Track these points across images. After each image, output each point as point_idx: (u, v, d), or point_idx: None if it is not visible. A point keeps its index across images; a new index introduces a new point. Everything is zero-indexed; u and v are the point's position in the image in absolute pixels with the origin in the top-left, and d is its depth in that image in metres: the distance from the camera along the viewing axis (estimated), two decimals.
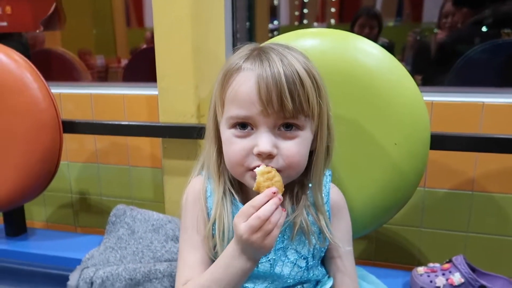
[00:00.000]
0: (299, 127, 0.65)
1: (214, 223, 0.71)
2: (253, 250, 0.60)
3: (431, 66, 2.13)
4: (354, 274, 0.79)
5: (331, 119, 0.70)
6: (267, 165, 0.63)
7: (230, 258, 0.63)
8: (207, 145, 0.74)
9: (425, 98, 0.93)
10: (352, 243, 0.80)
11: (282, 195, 0.72)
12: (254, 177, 0.63)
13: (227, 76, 0.66)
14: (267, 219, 0.58)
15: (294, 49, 0.67)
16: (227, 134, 0.66)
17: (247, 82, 0.63)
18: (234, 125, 0.65)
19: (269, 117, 0.62)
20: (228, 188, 0.72)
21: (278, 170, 0.64)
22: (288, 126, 0.64)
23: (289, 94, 0.61)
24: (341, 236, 0.76)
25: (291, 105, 0.61)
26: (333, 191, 0.78)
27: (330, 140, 0.71)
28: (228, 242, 0.68)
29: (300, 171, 0.68)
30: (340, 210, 0.78)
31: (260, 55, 0.64)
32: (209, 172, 0.74)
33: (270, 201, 0.59)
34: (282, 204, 0.72)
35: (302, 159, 0.66)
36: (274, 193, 0.59)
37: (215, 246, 0.71)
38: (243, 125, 0.65)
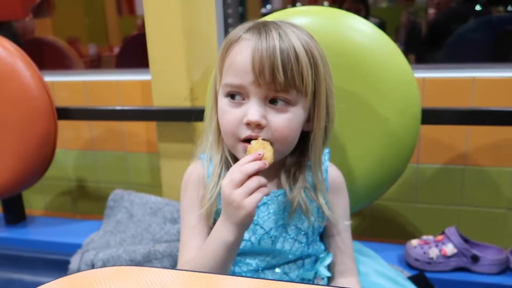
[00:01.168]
0: (290, 102, 0.65)
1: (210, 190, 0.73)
2: (233, 211, 0.60)
3: (425, 45, 2.14)
4: (352, 251, 0.81)
5: (331, 99, 0.70)
6: (257, 135, 0.64)
7: (214, 231, 0.65)
8: (207, 115, 0.75)
9: (416, 75, 0.94)
10: (351, 220, 0.81)
11: (278, 175, 0.73)
12: (245, 150, 0.65)
13: (227, 45, 0.68)
14: (248, 174, 0.59)
15: (300, 28, 0.68)
16: (222, 102, 0.68)
17: (243, 52, 0.64)
18: (228, 94, 0.67)
19: (261, 88, 0.63)
20: (226, 156, 0.73)
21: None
22: (277, 101, 0.65)
23: (282, 67, 0.61)
24: (340, 212, 0.78)
25: (283, 78, 0.62)
26: (331, 169, 0.80)
27: (329, 120, 0.71)
28: (219, 205, 0.70)
29: (290, 147, 0.69)
30: (339, 187, 0.80)
31: (260, 28, 0.65)
32: (210, 143, 0.75)
33: (254, 161, 0.60)
34: (278, 185, 0.74)
35: (292, 134, 0.67)
36: (260, 154, 0.61)
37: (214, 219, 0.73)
38: (235, 95, 0.66)
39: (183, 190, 0.78)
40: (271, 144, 0.65)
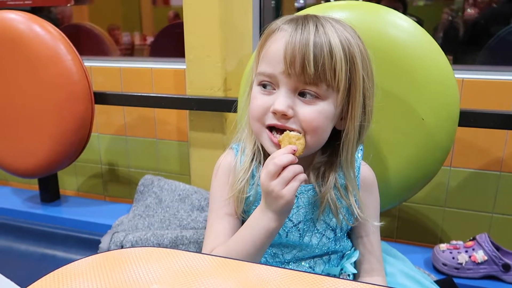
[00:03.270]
0: (319, 96, 0.65)
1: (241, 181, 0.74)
2: (273, 200, 0.62)
3: (463, 45, 2.07)
4: (379, 253, 0.79)
5: (368, 99, 0.69)
6: (283, 125, 0.65)
7: (255, 218, 0.66)
8: (241, 104, 0.77)
9: (455, 76, 0.91)
10: (380, 220, 0.80)
11: (307, 172, 0.73)
12: (269, 139, 0.66)
13: (266, 35, 0.68)
14: (282, 166, 0.61)
15: (344, 24, 0.67)
16: (254, 90, 0.69)
17: (277, 41, 0.65)
18: (260, 83, 0.68)
19: (290, 79, 0.64)
20: (258, 145, 0.74)
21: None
22: (308, 95, 0.65)
23: (313, 60, 0.61)
24: (369, 212, 0.77)
25: (313, 70, 0.61)
26: (363, 168, 0.78)
27: (365, 120, 0.70)
28: (249, 192, 0.72)
29: (320, 141, 0.68)
30: (370, 187, 0.78)
31: (298, 20, 0.65)
32: (244, 132, 0.76)
33: (287, 154, 0.62)
34: (307, 181, 0.74)
35: (320, 127, 0.66)
36: (294, 150, 0.63)
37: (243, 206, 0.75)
38: (267, 85, 0.67)
39: (214, 177, 0.79)
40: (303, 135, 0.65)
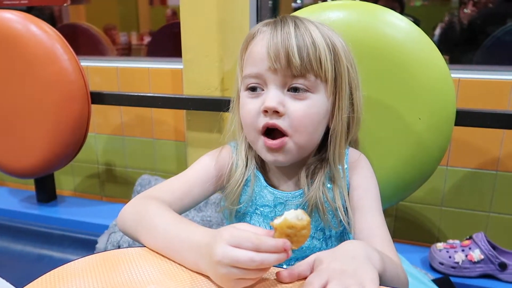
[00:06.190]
0: (309, 89, 0.63)
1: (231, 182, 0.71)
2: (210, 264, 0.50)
3: (459, 46, 2.08)
4: (386, 236, 0.66)
5: (356, 91, 0.68)
6: (275, 123, 0.62)
7: (195, 239, 0.54)
8: (231, 113, 0.75)
9: (452, 76, 0.91)
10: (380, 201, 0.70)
11: (299, 173, 0.70)
12: (264, 146, 0.64)
13: (246, 41, 0.68)
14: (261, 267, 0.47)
15: (322, 23, 0.67)
16: (243, 96, 0.68)
17: (259, 42, 0.65)
18: (247, 87, 0.66)
19: (277, 75, 0.63)
20: (246, 153, 0.72)
21: (286, 134, 0.63)
22: (297, 89, 0.63)
23: (297, 51, 0.61)
24: (362, 192, 0.69)
25: (299, 61, 0.61)
26: (351, 154, 0.73)
27: (353, 111, 0.68)
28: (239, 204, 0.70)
29: (312, 140, 0.67)
30: (356, 165, 0.72)
31: (277, 21, 0.66)
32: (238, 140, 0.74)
33: (276, 255, 0.47)
34: (297, 184, 0.71)
35: (313, 123, 0.64)
36: (287, 251, 0.47)
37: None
38: (255, 88, 0.65)
39: (206, 156, 0.73)
40: (288, 134, 0.63)
